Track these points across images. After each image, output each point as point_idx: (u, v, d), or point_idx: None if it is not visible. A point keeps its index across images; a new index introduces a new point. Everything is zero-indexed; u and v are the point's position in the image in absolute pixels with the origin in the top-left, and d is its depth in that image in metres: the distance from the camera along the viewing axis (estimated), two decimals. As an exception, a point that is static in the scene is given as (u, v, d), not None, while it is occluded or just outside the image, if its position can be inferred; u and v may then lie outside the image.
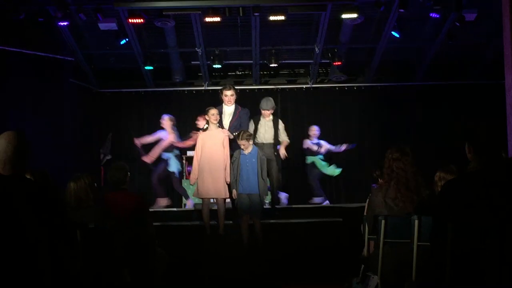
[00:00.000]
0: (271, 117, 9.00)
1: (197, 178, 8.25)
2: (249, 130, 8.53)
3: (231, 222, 8.55)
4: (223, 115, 8.73)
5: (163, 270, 5.76)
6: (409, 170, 4.84)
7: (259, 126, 8.92)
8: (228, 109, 8.80)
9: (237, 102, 8.92)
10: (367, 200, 5.57)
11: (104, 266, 4.96)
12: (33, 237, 2.97)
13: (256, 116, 9.02)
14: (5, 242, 2.90)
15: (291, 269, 7.39)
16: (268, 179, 8.41)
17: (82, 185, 5.53)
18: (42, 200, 3.08)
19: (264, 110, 8.90)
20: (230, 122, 8.73)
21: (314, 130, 11.59)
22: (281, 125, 9.12)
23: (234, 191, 8.10)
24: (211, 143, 8.27)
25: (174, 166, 10.31)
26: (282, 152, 9.00)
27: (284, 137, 9.12)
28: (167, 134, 10.34)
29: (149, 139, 10.47)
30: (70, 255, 3.26)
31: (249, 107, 9.14)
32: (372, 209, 5.00)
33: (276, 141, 9.03)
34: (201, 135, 8.46)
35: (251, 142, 8.12)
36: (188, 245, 7.92)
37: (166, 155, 10.30)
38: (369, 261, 5.12)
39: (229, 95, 8.71)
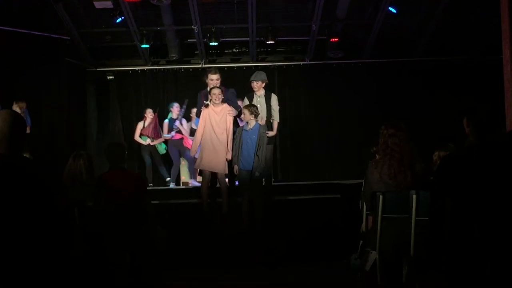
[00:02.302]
0: (262, 91, 8.62)
1: (196, 151, 8.25)
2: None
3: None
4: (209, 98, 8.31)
5: (163, 249, 5.74)
6: (404, 145, 4.85)
7: (252, 103, 8.45)
8: None
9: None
10: (364, 176, 5.57)
11: (103, 246, 4.96)
12: (31, 216, 2.97)
13: (249, 93, 8.71)
14: (3, 221, 2.89)
15: (289, 246, 7.42)
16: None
17: (81, 163, 5.53)
18: (40, 179, 3.08)
19: (251, 81, 8.59)
20: None
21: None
22: (274, 101, 8.66)
23: (235, 167, 8.04)
24: (215, 118, 8.16)
25: None
26: (271, 133, 8.48)
27: (275, 117, 8.65)
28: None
29: None
30: (67, 235, 3.26)
31: (246, 85, 9.00)
32: (368, 185, 5.02)
33: (269, 118, 8.63)
34: (205, 110, 8.24)
35: (252, 117, 7.94)
36: (187, 224, 7.92)
37: None
38: (368, 237, 5.13)
39: (214, 80, 8.35)
